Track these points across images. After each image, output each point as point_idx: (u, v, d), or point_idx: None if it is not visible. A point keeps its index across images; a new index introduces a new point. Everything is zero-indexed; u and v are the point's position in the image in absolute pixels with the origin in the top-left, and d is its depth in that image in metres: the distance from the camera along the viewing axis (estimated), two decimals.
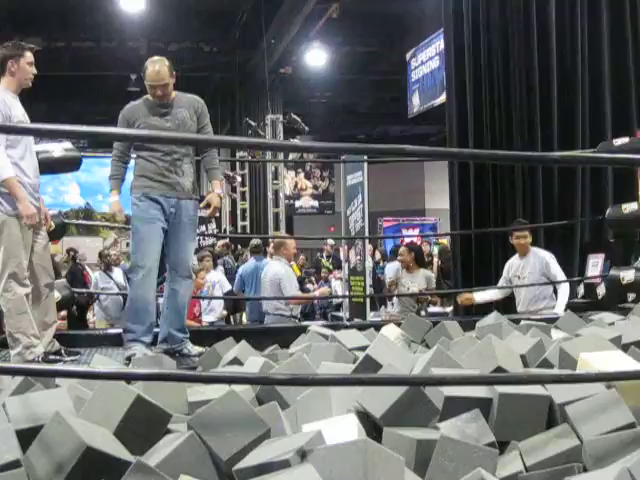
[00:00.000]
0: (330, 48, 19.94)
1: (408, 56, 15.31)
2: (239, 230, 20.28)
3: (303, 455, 2.32)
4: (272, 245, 10.57)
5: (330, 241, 19.33)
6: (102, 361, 4.41)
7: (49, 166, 5.96)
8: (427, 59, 14.07)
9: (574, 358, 3.41)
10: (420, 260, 10.10)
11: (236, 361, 4.48)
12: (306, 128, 18.12)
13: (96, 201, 22.29)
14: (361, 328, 5.57)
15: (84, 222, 12.87)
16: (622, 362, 3.28)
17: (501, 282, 7.51)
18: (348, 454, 2.26)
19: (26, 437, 2.49)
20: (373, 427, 2.84)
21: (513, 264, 7.42)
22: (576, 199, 7.97)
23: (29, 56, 5.21)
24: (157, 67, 5.67)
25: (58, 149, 6.01)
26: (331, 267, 18.45)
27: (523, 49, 8.26)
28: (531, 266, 7.22)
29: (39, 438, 2.46)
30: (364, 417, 2.87)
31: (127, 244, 19.07)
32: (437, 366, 3.24)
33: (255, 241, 11.48)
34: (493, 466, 2.55)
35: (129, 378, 2.85)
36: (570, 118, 8.05)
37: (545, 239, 8.05)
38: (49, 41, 18.26)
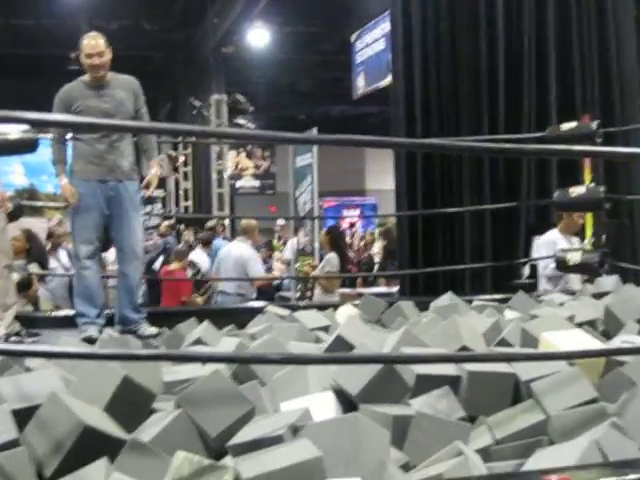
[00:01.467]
0: (273, 28, 19.94)
1: (353, 38, 15.38)
2: (182, 210, 20.26)
3: (295, 431, 2.44)
4: (242, 228, 10.57)
5: (280, 221, 19.36)
6: (71, 342, 4.47)
7: (5, 148, 5.97)
8: (372, 41, 14.18)
9: (535, 337, 3.58)
10: (336, 243, 10.04)
11: (200, 341, 4.55)
12: (251, 108, 18.14)
13: (41, 181, 22.05)
14: (319, 308, 5.70)
15: (38, 203, 12.71)
16: (582, 340, 3.45)
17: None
18: (340, 429, 2.38)
19: (21, 417, 2.56)
20: (349, 404, 2.95)
21: (557, 240, 7.24)
22: (522, 182, 8.12)
23: None
24: (93, 39, 5.74)
25: (14, 131, 5.99)
26: (282, 249, 18.54)
27: (471, 34, 8.37)
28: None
29: (36, 418, 2.53)
30: (340, 394, 2.99)
31: None
32: (406, 345, 3.38)
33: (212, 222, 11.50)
34: (466, 440, 2.70)
35: (117, 359, 2.93)
36: (516, 102, 8.19)
37: (491, 221, 8.22)
38: None
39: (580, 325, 4.14)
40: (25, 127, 6.12)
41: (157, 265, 13.34)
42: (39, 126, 6.28)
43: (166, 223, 15.63)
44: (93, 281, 5.63)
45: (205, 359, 2.99)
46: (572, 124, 6.82)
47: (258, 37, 19.98)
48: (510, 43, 8.25)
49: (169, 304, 10.39)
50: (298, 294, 10.15)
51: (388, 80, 12.23)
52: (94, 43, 5.69)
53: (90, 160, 5.64)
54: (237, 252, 9.59)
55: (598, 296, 5.24)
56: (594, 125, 6.66)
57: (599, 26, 8.19)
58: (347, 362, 3.00)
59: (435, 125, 8.73)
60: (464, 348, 3.46)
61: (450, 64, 8.60)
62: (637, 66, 8.34)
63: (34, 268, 9.10)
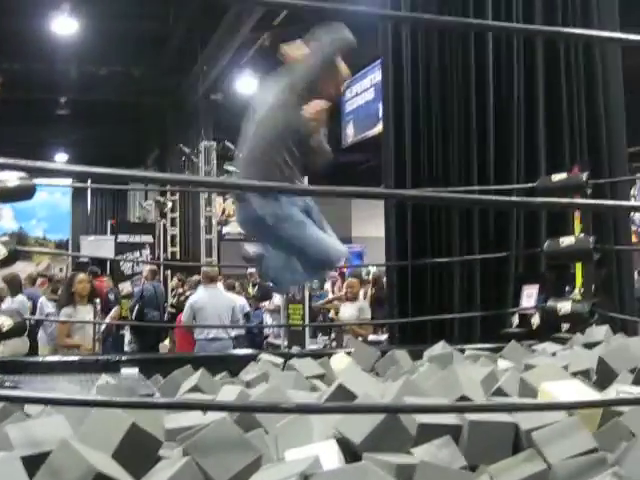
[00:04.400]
0: (261, 75, 20.12)
1: (342, 87, 15.56)
2: (169, 256, 20.30)
3: (305, 479, 2.48)
4: (209, 276, 10.75)
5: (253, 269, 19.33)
6: (69, 389, 4.48)
7: (3, 196, 6.01)
8: (362, 90, 14.37)
9: (533, 387, 3.63)
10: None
11: (197, 389, 4.57)
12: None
13: (30, 225, 22.13)
14: (313, 356, 5.73)
15: (34, 249, 12.76)
16: (580, 390, 3.51)
17: None
18: (350, 477, 2.43)
19: (31, 464, 2.58)
20: (352, 453, 2.99)
21: None
22: (511, 232, 8.20)
23: None
24: None
25: (12, 178, 6.03)
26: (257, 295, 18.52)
27: (461, 83, 8.50)
28: None
29: (47, 464, 2.56)
30: (343, 443, 3.02)
31: (60, 269, 19.07)
32: (407, 394, 3.42)
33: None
34: None
35: (129, 406, 2.96)
36: (505, 154, 8.29)
37: (481, 270, 8.28)
38: None
39: (574, 375, 4.20)
40: (22, 174, 6.17)
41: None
42: (40, 174, 6.31)
43: (148, 268, 15.74)
44: None
45: (218, 407, 3.02)
46: (562, 175, 6.92)
47: (247, 84, 20.16)
48: (500, 93, 8.36)
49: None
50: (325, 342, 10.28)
51: (377, 129, 12.40)
52: None
53: None
54: (225, 297, 9.82)
55: (589, 346, 5.29)
56: (584, 177, 6.76)
57: (587, 78, 8.32)
58: (355, 411, 3.04)
59: (425, 173, 8.82)
60: (464, 398, 3.50)
61: (440, 113, 8.71)
62: (624, 119, 8.49)
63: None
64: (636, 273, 11.65)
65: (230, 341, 10.24)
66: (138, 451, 2.81)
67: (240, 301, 12.14)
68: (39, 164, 3.05)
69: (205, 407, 3.05)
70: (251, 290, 18.73)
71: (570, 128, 8.30)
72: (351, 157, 25.71)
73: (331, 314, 14.46)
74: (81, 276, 9.77)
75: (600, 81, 8.33)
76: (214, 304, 10.15)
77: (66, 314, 9.54)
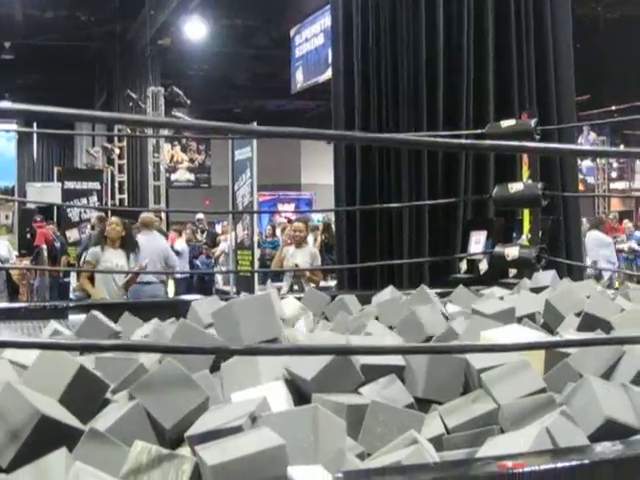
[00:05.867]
0: (209, 20, 19.89)
1: (292, 32, 15.41)
2: (117, 203, 20.12)
3: (254, 421, 2.46)
4: (144, 222, 10.84)
5: (200, 215, 19.32)
6: (9, 333, 4.42)
7: None
8: (312, 36, 14.21)
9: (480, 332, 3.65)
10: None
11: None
12: (188, 102, 18.09)
13: None
14: None
15: None
16: (523, 334, 3.54)
17: None
18: (299, 419, 2.41)
19: None
20: (300, 395, 2.98)
21: (604, 238, 7.36)
22: (459, 178, 8.24)
23: None
24: None
25: None
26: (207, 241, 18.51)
27: (411, 29, 8.46)
28: None
29: None
30: (291, 385, 3.02)
31: (6, 216, 18.83)
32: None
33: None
34: (419, 428, 2.75)
35: (78, 349, 2.92)
36: (455, 101, 8.30)
37: (429, 217, 8.32)
38: None
39: (520, 319, 4.23)
40: None
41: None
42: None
43: (96, 215, 15.62)
44: None
45: (168, 349, 2.98)
46: (511, 121, 6.94)
47: (195, 30, 19.92)
48: (450, 39, 8.35)
49: None
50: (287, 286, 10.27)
51: (327, 75, 12.31)
52: None
53: None
54: (159, 244, 10.00)
55: (536, 290, 5.34)
56: (532, 123, 6.78)
57: (537, 25, 8.33)
58: (305, 353, 3.03)
59: (374, 120, 8.82)
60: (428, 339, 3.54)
61: (390, 60, 8.68)
62: (572, 68, 8.51)
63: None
64: (585, 220, 11.79)
65: (161, 285, 10.40)
66: (85, 395, 2.78)
67: (179, 246, 12.29)
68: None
69: (151, 349, 3.01)
70: (200, 236, 18.70)
71: (519, 75, 8.31)
72: (300, 104, 25.64)
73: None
74: (113, 219, 9.62)
75: (549, 29, 8.34)
76: (146, 249, 10.21)
77: (92, 253, 9.50)
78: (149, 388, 2.71)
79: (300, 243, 10.21)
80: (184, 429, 2.58)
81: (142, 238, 10.61)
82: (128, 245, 9.77)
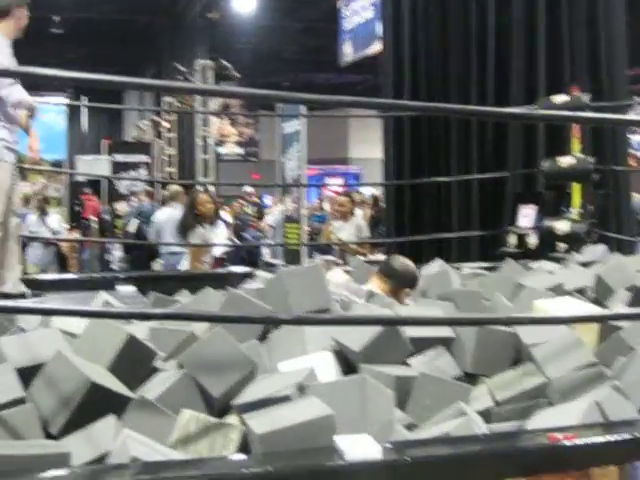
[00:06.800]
0: None
1: (340, 5, 15.30)
2: (166, 176, 20.17)
3: (301, 390, 2.47)
4: (170, 195, 10.79)
5: (248, 188, 19.31)
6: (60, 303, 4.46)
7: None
8: (360, 8, 14.11)
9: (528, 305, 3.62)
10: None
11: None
12: (238, 75, 18.07)
13: (24, 146, 22.00)
14: None
15: (39, 167, 12.39)
16: (576, 306, 3.50)
17: None
18: (347, 389, 2.42)
19: (26, 375, 2.57)
20: (348, 365, 2.98)
21: None
22: (509, 151, 8.15)
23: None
24: None
25: None
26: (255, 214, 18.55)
27: (461, 5, 8.38)
28: None
29: (41, 376, 2.55)
30: (339, 355, 3.02)
31: (56, 189, 19.00)
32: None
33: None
34: (467, 401, 2.74)
35: (130, 317, 2.94)
36: (504, 73, 8.19)
37: (478, 191, 8.26)
38: None
39: (570, 293, 4.19)
40: None
41: (131, 228, 13.37)
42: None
43: (146, 188, 15.71)
44: None
45: (217, 319, 2.99)
46: (564, 97, 6.82)
47: (243, 3, 19.84)
48: (500, 13, 8.24)
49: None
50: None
51: (375, 48, 12.22)
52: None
53: None
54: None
55: (586, 265, 5.29)
56: (585, 98, 6.67)
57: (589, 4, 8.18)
58: (354, 323, 3.03)
59: (423, 94, 8.77)
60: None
61: (440, 33, 8.62)
62: (625, 41, 8.35)
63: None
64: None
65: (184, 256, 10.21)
66: (134, 363, 2.80)
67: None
68: (33, 69, 2.91)
69: (200, 318, 3.02)
70: (249, 210, 18.71)
71: (570, 49, 8.18)
72: (348, 77, 25.50)
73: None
74: (203, 197, 9.44)
75: (602, 10, 8.19)
76: (169, 221, 10.16)
77: (199, 235, 9.38)
78: (198, 357, 2.73)
79: (345, 216, 10.15)
80: (232, 398, 2.60)
81: (167, 210, 10.62)
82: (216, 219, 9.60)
